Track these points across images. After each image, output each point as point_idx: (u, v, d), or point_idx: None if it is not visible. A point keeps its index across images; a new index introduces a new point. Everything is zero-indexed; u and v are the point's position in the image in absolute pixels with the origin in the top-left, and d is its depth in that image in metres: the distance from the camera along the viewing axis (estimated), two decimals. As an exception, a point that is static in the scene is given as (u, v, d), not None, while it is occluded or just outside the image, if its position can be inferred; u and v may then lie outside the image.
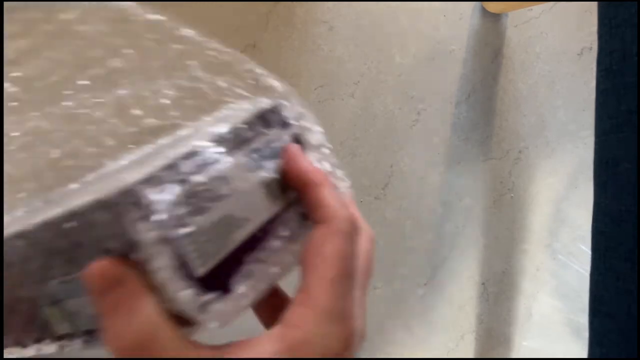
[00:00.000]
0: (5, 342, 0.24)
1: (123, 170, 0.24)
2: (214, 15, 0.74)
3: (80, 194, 0.21)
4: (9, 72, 0.31)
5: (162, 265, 0.18)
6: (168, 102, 0.29)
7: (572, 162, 1.16)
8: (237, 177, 0.21)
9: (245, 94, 0.27)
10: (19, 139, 0.30)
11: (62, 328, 0.22)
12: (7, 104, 0.30)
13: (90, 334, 0.21)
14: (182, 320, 0.19)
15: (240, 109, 0.26)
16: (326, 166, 0.25)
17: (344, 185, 0.26)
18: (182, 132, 0.27)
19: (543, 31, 1.10)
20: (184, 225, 0.19)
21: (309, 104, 0.27)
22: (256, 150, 0.23)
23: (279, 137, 0.24)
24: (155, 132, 0.28)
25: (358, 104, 0.87)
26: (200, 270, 0.19)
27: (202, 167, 0.20)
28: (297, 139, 0.25)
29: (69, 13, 0.29)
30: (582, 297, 1.00)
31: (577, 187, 1.17)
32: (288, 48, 0.81)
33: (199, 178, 0.20)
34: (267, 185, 0.23)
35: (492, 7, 1.01)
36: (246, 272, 0.21)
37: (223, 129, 0.22)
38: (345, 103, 0.86)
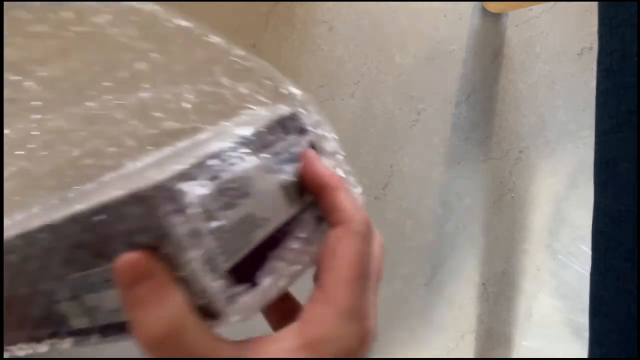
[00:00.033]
0: (18, 338, 0.25)
1: (144, 170, 0.24)
2: (214, 15, 0.74)
3: (97, 193, 0.22)
4: (36, 72, 0.31)
5: (194, 256, 0.18)
6: (189, 106, 0.30)
7: (572, 162, 1.16)
8: (260, 177, 0.22)
9: (265, 100, 0.28)
10: (40, 137, 0.31)
11: (80, 323, 0.22)
12: (30, 103, 0.31)
13: (108, 329, 0.22)
14: (204, 315, 0.20)
15: (258, 115, 0.26)
16: (340, 173, 0.26)
17: (356, 191, 0.27)
18: (201, 136, 0.27)
19: (543, 31, 1.10)
20: (215, 219, 0.19)
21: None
22: (276, 154, 0.24)
23: (297, 143, 0.25)
24: (175, 135, 0.29)
25: (358, 104, 0.87)
26: (225, 265, 0.20)
27: (230, 165, 0.21)
28: (313, 146, 0.26)
29: (101, 16, 0.29)
30: (582, 297, 1.00)
31: (577, 187, 1.17)
32: (288, 48, 0.81)
33: (229, 175, 0.21)
34: (286, 188, 0.23)
35: (492, 7, 1.01)
36: (269, 268, 0.22)
37: (248, 131, 0.23)
38: (345, 103, 0.86)
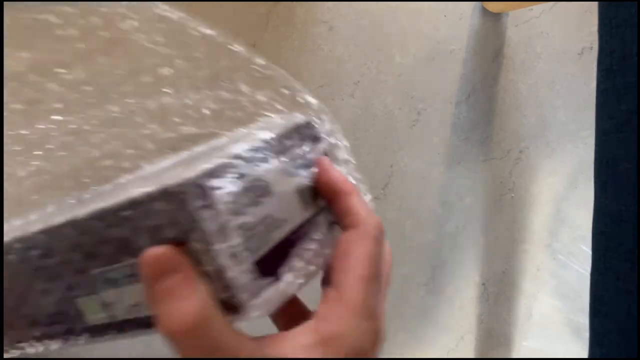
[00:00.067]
0: (30, 334, 0.25)
1: (162, 172, 0.25)
2: (213, 15, 0.75)
3: (114, 194, 0.22)
4: (60, 74, 0.32)
5: (223, 249, 0.19)
6: (208, 112, 0.31)
7: (572, 162, 1.16)
8: (280, 180, 0.23)
9: (282, 108, 0.29)
10: (59, 138, 0.32)
11: (97, 319, 0.23)
12: (52, 105, 0.31)
13: (126, 324, 0.22)
14: (225, 310, 0.20)
15: (274, 123, 0.28)
16: (351, 180, 0.27)
17: (366, 198, 0.28)
18: (218, 141, 0.29)
19: (543, 31, 1.10)
20: (242, 215, 0.20)
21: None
22: (293, 159, 0.25)
23: (312, 150, 0.26)
24: (192, 140, 0.30)
25: (358, 104, 0.87)
26: (250, 260, 0.21)
27: (254, 165, 0.22)
28: (326, 153, 0.28)
29: (127, 22, 0.30)
30: (582, 297, 1.00)
31: (577, 187, 1.17)
32: (288, 48, 0.81)
33: (254, 174, 0.22)
34: (301, 192, 0.25)
35: (492, 6, 1.01)
36: (289, 266, 0.23)
37: (269, 135, 0.24)
38: (345, 103, 0.86)
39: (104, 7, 0.30)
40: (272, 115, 0.29)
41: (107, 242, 0.21)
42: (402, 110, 0.92)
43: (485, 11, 1.01)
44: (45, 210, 0.28)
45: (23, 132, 0.32)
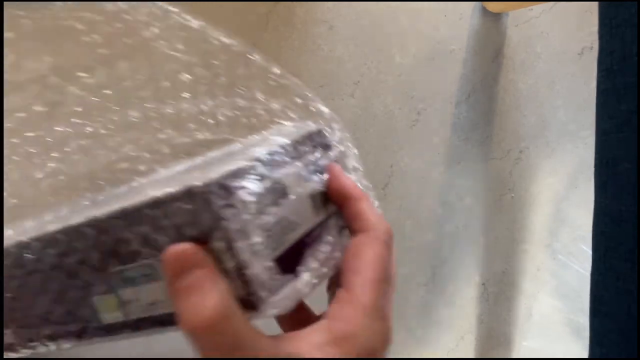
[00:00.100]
0: (42, 333, 0.25)
1: (178, 175, 0.26)
2: (213, 15, 0.74)
3: (129, 197, 0.23)
4: (82, 78, 0.33)
5: (246, 246, 0.20)
6: (223, 118, 0.32)
7: (572, 162, 1.16)
8: (296, 183, 0.24)
9: (295, 117, 0.30)
10: (76, 141, 0.33)
11: (112, 317, 0.23)
12: (72, 108, 0.32)
13: (142, 322, 0.23)
14: (243, 307, 0.21)
15: (287, 130, 0.29)
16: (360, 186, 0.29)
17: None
18: (232, 148, 0.30)
19: (543, 31, 1.10)
20: (263, 214, 0.21)
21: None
22: (307, 165, 0.26)
23: (323, 157, 0.28)
24: (207, 145, 0.31)
25: (358, 104, 0.87)
26: (270, 258, 0.22)
27: (274, 168, 0.23)
28: (336, 160, 0.29)
29: (150, 30, 0.31)
30: (582, 297, 1.00)
31: (578, 187, 1.17)
32: (288, 48, 0.81)
33: (274, 176, 0.23)
34: (313, 197, 0.25)
35: (492, 6, 1.01)
36: (305, 265, 0.24)
37: (286, 141, 0.25)
38: (345, 103, 0.86)
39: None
40: (285, 123, 0.30)
41: (126, 241, 0.21)
42: (402, 110, 0.92)
43: (485, 11, 1.01)
44: (60, 211, 0.29)
45: (42, 133, 0.33)
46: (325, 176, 0.27)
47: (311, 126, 0.29)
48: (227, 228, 0.20)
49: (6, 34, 0.31)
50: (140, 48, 0.32)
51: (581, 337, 1.17)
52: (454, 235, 1.02)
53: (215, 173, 0.20)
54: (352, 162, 0.30)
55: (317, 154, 0.27)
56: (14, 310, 0.25)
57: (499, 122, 1.05)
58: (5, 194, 0.32)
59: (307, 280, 0.23)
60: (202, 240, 0.20)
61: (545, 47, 1.10)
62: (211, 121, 0.31)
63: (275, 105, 0.30)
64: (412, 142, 0.94)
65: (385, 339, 0.23)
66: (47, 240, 0.24)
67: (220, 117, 0.31)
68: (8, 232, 0.28)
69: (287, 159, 0.24)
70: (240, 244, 0.20)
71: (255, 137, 0.30)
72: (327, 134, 0.29)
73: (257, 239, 0.21)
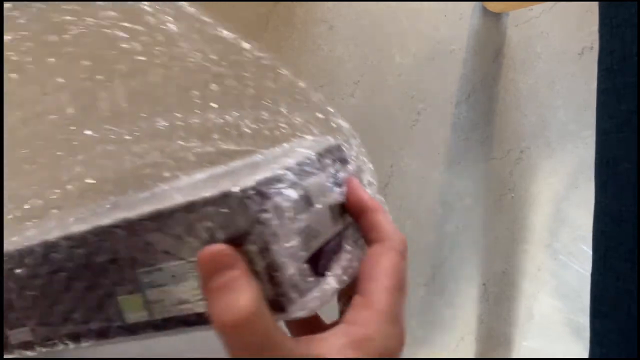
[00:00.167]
0: (62, 331, 0.26)
1: (200, 183, 0.27)
2: (213, 15, 0.74)
3: (151, 202, 0.24)
4: (117, 84, 0.34)
5: (282, 249, 0.21)
6: (247, 130, 0.33)
7: (572, 162, 1.16)
8: (320, 193, 0.25)
9: (315, 131, 0.32)
10: (101, 145, 0.34)
11: (136, 317, 0.24)
12: (103, 113, 0.34)
13: (167, 322, 0.23)
14: (270, 308, 0.21)
15: (307, 144, 0.30)
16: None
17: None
18: (254, 158, 0.31)
19: (544, 31, 1.10)
20: (296, 220, 0.22)
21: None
22: (327, 177, 0.27)
23: (342, 170, 0.29)
24: (230, 155, 0.32)
25: (358, 104, 0.87)
26: (302, 260, 0.22)
27: (303, 177, 0.24)
28: (354, 174, 0.30)
29: (188, 42, 0.33)
30: (582, 297, 1.00)
31: (578, 187, 1.17)
32: (288, 48, 0.81)
33: (303, 184, 0.24)
34: (332, 208, 0.26)
35: (492, 6, 1.01)
36: (330, 270, 0.25)
37: (312, 153, 0.26)
38: (345, 103, 0.86)
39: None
40: (306, 137, 0.32)
41: (157, 242, 0.22)
42: (402, 110, 0.92)
43: (485, 11, 1.01)
44: (84, 213, 0.30)
45: (71, 137, 0.34)
46: (344, 189, 0.28)
47: (330, 141, 0.30)
48: (262, 232, 0.20)
49: (50, 38, 0.32)
50: (176, 58, 0.33)
51: (581, 337, 1.17)
52: (454, 235, 1.02)
53: (252, 179, 0.21)
54: (367, 177, 0.31)
55: (336, 167, 0.28)
56: (35, 308, 0.26)
57: (499, 122, 1.05)
58: (30, 194, 0.33)
59: (332, 285, 0.24)
60: (234, 243, 0.21)
61: (545, 47, 1.10)
62: (235, 132, 0.33)
63: (297, 119, 0.32)
64: (412, 142, 0.94)
65: (400, 342, 0.24)
66: (76, 240, 0.24)
67: (245, 129, 0.33)
68: (32, 232, 0.29)
69: (313, 170, 0.26)
70: (275, 247, 0.21)
71: (277, 150, 0.31)
72: (344, 149, 0.30)
73: (293, 242, 0.22)
